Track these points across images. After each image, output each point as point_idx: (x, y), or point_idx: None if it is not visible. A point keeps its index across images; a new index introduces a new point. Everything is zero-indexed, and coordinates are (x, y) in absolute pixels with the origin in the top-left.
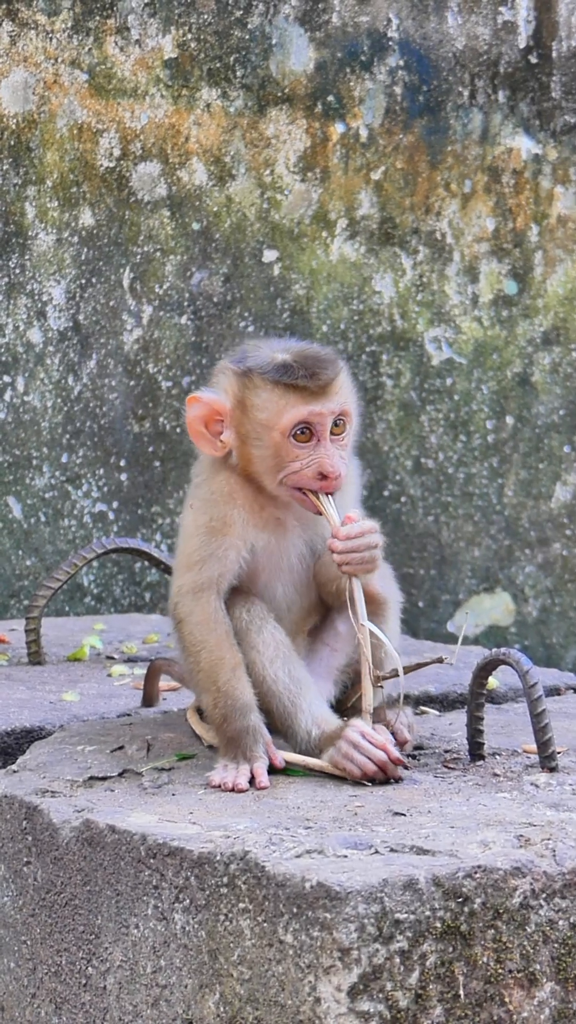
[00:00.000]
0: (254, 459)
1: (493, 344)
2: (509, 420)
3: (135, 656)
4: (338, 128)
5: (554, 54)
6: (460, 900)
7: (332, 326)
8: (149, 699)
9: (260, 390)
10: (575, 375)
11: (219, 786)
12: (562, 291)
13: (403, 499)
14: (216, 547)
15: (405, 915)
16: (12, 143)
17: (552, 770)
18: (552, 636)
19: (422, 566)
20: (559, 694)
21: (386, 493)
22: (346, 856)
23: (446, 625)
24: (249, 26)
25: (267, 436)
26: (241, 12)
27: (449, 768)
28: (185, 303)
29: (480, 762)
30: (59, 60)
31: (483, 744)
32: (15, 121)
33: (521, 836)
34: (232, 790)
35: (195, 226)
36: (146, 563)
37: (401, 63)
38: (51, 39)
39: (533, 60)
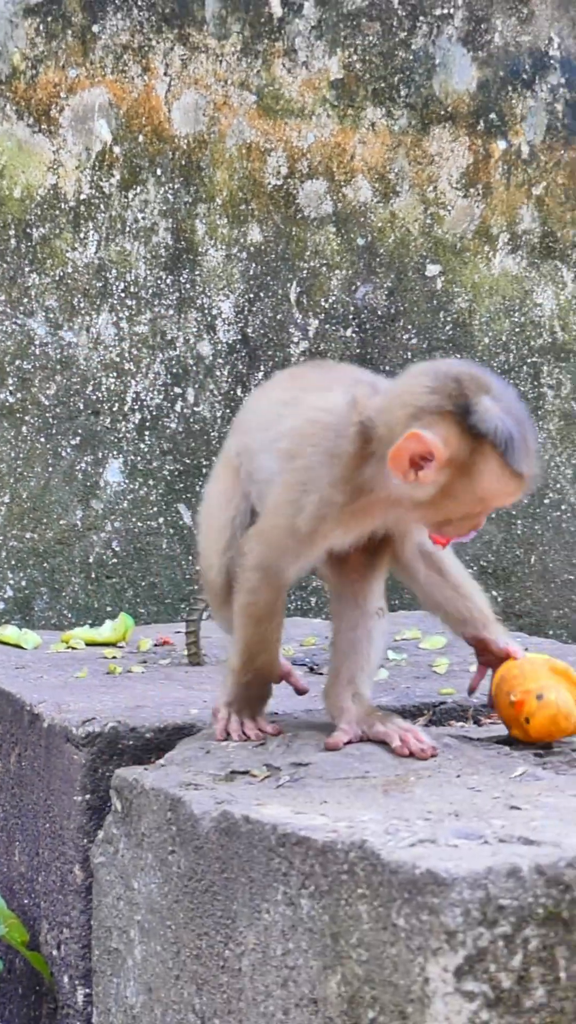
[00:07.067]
0: (441, 505)
1: None
2: None
3: (292, 659)
4: (500, 145)
5: None
6: (562, 888)
7: (494, 338)
8: None
9: (493, 465)
10: None
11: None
12: None
13: (563, 507)
14: (315, 520)
15: (508, 901)
16: (183, 163)
17: None
18: None
19: None
20: None
21: (547, 501)
22: (457, 846)
23: None
24: (413, 47)
25: (473, 504)
26: (405, 33)
27: (573, 766)
28: (350, 316)
29: None
30: (228, 82)
31: None
32: (186, 141)
33: None
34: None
35: (360, 241)
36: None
37: (562, 81)
38: (221, 62)
39: None
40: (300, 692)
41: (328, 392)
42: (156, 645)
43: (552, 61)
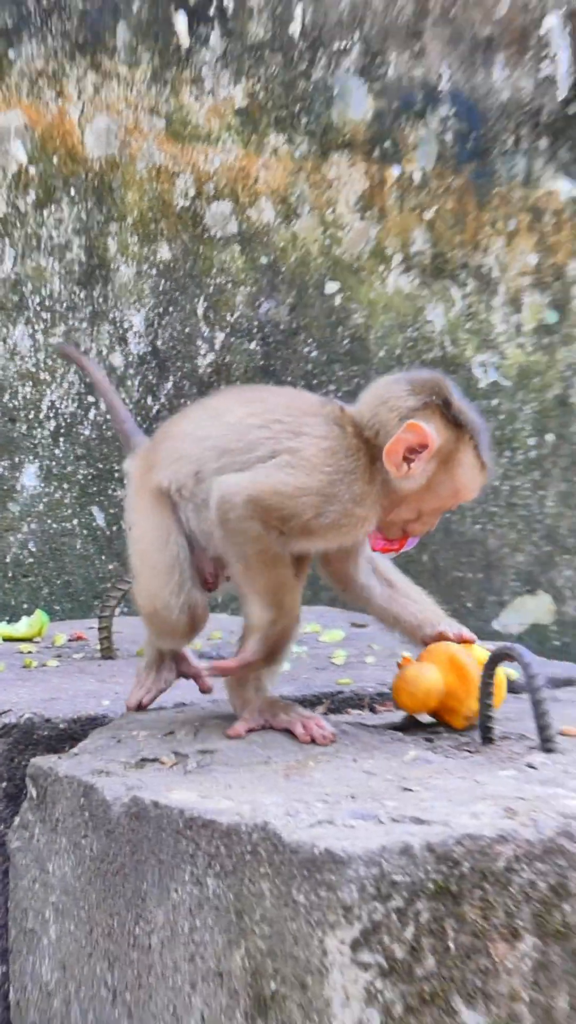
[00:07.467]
0: (421, 499)
1: (535, 368)
2: (549, 438)
3: (199, 652)
4: (394, 171)
5: None
6: (450, 864)
7: (388, 352)
8: None
9: (470, 455)
10: None
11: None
12: None
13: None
14: (330, 527)
15: (401, 877)
16: (96, 184)
17: (550, 751)
18: None
19: (470, 570)
20: (573, 685)
21: None
22: (353, 826)
23: (491, 624)
24: (313, 78)
25: (451, 497)
26: (306, 65)
27: (460, 750)
28: (254, 330)
29: (490, 745)
30: (139, 108)
31: (492, 729)
32: (99, 163)
33: (509, 808)
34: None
35: (263, 260)
36: None
37: (451, 112)
38: (131, 88)
39: (572, 111)
40: (204, 691)
41: (311, 417)
42: (70, 640)
43: (442, 93)
